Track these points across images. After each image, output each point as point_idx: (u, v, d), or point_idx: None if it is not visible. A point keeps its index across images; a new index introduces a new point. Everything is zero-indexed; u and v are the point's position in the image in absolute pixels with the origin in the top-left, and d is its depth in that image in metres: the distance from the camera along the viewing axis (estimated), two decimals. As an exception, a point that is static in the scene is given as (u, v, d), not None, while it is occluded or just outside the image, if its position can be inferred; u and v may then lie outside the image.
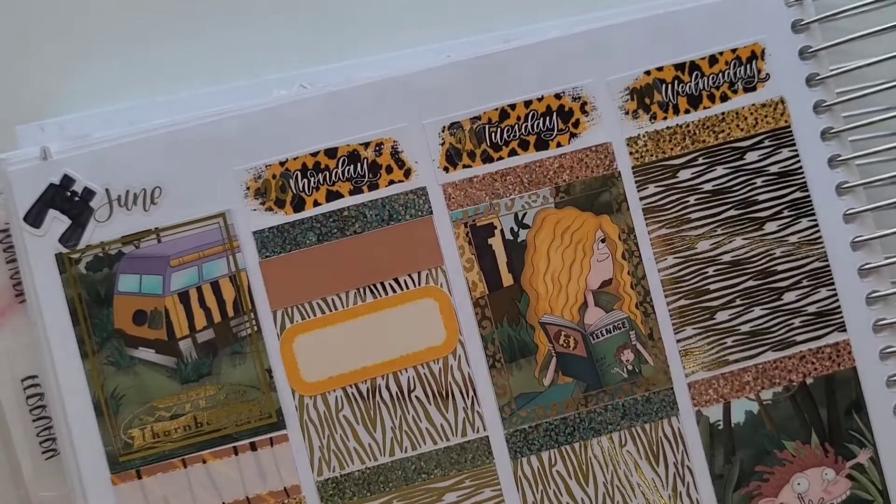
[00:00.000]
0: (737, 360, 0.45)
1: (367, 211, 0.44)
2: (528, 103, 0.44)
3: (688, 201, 0.44)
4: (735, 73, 0.45)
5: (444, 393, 0.44)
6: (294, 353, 0.43)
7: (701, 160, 0.45)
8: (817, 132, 0.45)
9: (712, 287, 0.45)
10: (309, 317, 0.43)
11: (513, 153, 0.44)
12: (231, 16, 0.46)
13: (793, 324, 0.45)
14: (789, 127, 0.45)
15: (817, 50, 0.45)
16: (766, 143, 0.45)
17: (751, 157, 0.45)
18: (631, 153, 0.44)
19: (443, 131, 0.44)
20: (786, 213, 0.45)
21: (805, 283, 0.45)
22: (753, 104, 0.45)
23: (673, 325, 0.44)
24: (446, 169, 0.44)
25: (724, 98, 0.45)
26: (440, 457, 0.44)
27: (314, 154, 0.43)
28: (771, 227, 0.45)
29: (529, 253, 0.44)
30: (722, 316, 0.45)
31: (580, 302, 0.44)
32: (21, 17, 0.46)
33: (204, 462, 0.43)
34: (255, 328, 0.43)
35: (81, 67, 0.46)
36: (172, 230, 0.43)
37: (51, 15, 0.46)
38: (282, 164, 0.43)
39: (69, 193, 0.43)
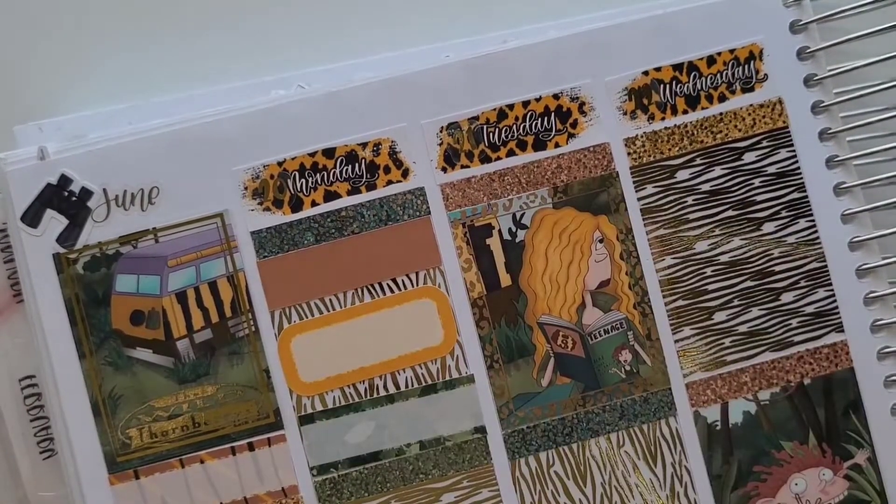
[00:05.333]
0: (735, 361, 0.45)
1: (364, 211, 0.44)
2: (526, 103, 0.44)
3: (686, 202, 0.44)
4: (733, 74, 0.45)
5: (441, 393, 0.44)
6: (292, 353, 0.43)
7: (699, 160, 0.45)
8: (815, 132, 0.45)
9: (710, 287, 0.45)
10: (306, 317, 0.43)
11: (511, 153, 0.44)
12: (229, 16, 0.46)
13: (790, 324, 0.45)
14: (787, 127, 0.45)
15: (815, 50, 0.45)
16: (764, 143, 0.45)
17: (749, 157, 0.45)
18: (629, 153, 0.44)
19: (441, 131, 0.44)
20: (784, 213, 0.45)
21: (803, 283, 0.45)
22: (751, 104, 0.45)
23: (671, 325, 0.44)
24: (444, 169, 0.44)
25: (723, 98, 0.45)
26: (438, 457, 0.44)
27: (312, 154, 0.43)
28: (769, 227, 0.45)
29: (527, 253, 0.44)
30: (720, 316, 0.45)
31: (578, 302, 0.44)
32: (20, 17, 0.46)
33: (202, 462, 0.43)
34: (253, 328, 0.43)
35: (79, 68, 0.46)
36: (170, 230, 0.43)
37: (49, 15, 0.46)
38: (279, 164, 0.43)
39: (66, 193, 0.43)
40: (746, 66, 0.45)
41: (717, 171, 0.45)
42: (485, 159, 0.44)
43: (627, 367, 0.44)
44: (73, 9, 0.46)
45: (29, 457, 0.44)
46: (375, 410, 0.44)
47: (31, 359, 0.43)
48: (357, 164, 0.44)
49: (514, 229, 0.44)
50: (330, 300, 0.43)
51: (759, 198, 0.45)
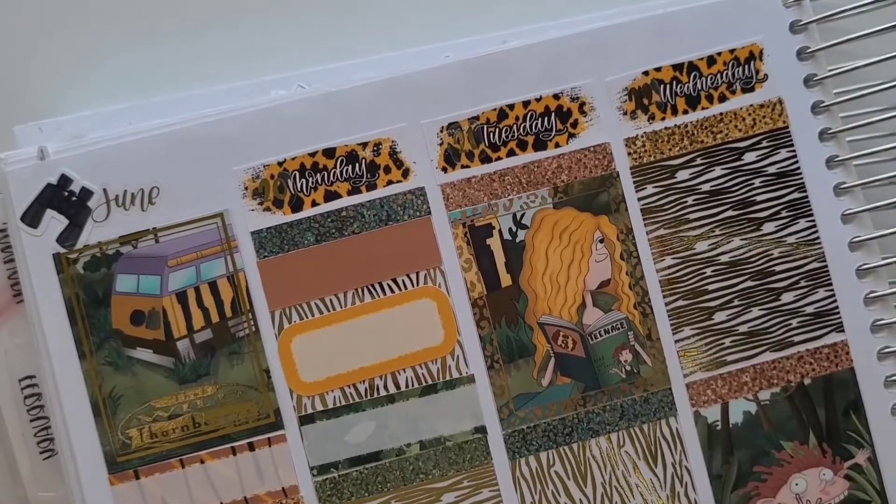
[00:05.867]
0: (735, 361, 0.45)
1: (365, 211, 0.44)
2: (526, 103, 0.44)
3: (686, 202, 0.45)
4: (733, 74, 0.45)
5: (442, 393, 0.44)
6: (292, 353, 0.43)
7: (699, 160, 0.45)
8: (815, 133, 0.45)
9: (710, 287, 0.45)
10: (307, 317, 0.43)
11: (511, 153, 0.44)
12: (229, 16, 0.46)
13: (791, 324, 0.45)
14: (787, 127, 0.45)
15: (815, 50, 0.45)
16: (765, 143, 0.45)
17: (749, 157, 0.45)
18: (629, 153, 0.44)
19: (441, 131, 0.44)
20: (784, 213, 0.45)
21: (803, 283, 0.45)
22: (752, 105, 0.45)
23: (671, 325, 0.44)
24: (444, 169, 0.44)
25: (723, 98, 0.45)
26: (438, 457, 0.44)
27: (312, 154, 0.43)
28: (769, 227, 0.45)
29: (528, 253, 0.44)
30: (720, 316, 0.45)
31: (578, 302, 0.44)
32: (20, 18, 0.46)
33: (202, 462, 0.43)
34: (253, 328, 0.43)
35: (79, 68, 0.46)
36: (170, 230, 0.43)
37: (49, 15, 0.46)
38: (280, 164, 0.43)
39: (67, 193, 0.42)
40: (746, 66, 0.45)
41: (718, 171, 0.45)
42: (485, 159, 0.44)
43: (628, 367, 0.44)
44: (73, 9, 0.46)
45: (29, 457, 0.44)
46: (376, 410, 0.44)
47: (31, 359, 0.43)
48: (357, 164, 0.44)
49: (514, 229, 0.44)
50: (330, 300, 0.43)
51: (759, 198, 0.45)
